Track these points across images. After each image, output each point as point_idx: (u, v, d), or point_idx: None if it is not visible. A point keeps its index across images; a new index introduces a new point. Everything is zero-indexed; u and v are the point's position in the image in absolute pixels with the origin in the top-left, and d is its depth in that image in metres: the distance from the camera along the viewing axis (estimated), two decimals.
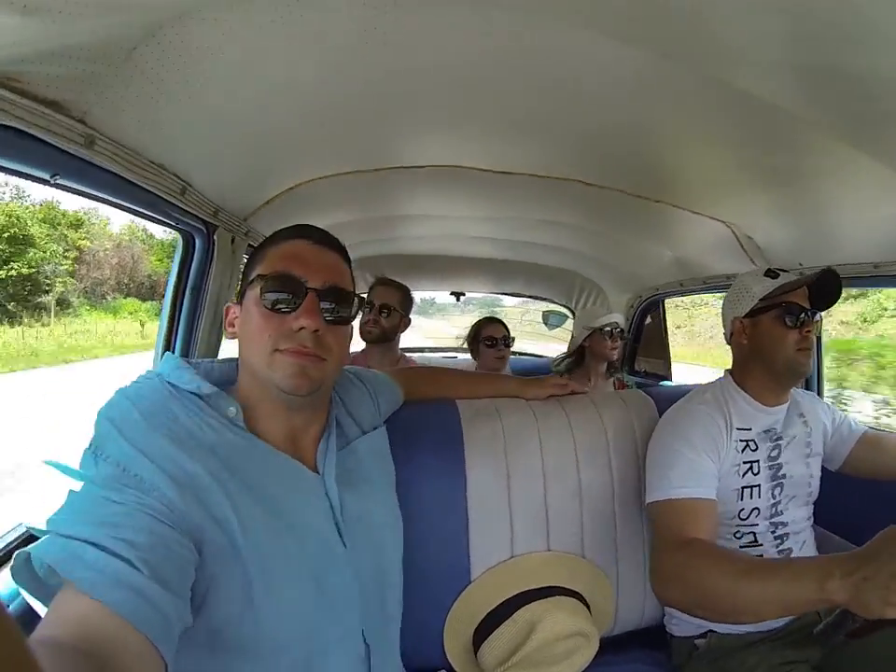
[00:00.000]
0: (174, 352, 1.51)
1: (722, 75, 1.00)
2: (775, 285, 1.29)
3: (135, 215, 1.26)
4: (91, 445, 0.74)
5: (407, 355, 2.50)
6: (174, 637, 0.61)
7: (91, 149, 0.92)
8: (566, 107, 1.26)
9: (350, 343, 0.97)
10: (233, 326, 0.92)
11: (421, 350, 4.34)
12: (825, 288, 1.26)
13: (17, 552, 0.60)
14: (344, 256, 0.95)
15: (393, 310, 2.25)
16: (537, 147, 1.58)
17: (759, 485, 1.26)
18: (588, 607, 1.30)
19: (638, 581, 1.39)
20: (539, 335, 7.08)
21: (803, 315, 1.26)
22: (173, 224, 1.38)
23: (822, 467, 1.39)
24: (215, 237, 1.52)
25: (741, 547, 1.27)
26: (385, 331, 2.24)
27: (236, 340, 0.91)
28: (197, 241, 1.51)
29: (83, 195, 1.06)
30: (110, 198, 1.12)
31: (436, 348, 4.70)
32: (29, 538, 1.04)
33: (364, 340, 2.24)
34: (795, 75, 0.95)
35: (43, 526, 0.63)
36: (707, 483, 1.18)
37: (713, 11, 0.81)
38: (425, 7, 0.90)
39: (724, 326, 1.42)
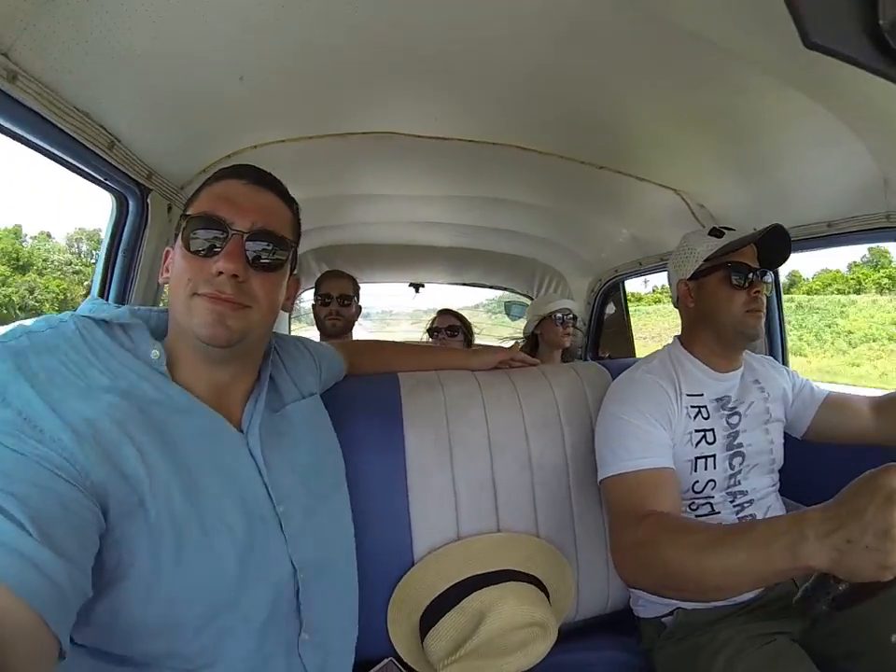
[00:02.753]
0: None
1: (664, 12, 0.97)
2: (719, 244, 1.25)
3: (63, 165, 1.19)
4: None
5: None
6: (70, 613, 0.54)
7: (13, 83, 0.89)
8: (495, 56, 1.21)
9: (283, 293, 0.89)
10: (168, 271, 0.85)
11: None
12: (774, 246, 1.23)
13: None
14: (284, 197, 0.88)
15: (351, 298, 2.31)
16: (469, 108, 1.54)
17: (713, 455, 1.21)
18: (546, 592, 1.23)
19: (601, 562, 1.34)
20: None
21: (750, 274, 1.22)
22: (102, 180, 1.30)
23: (786, 435, 1.36)
24: (148, 201, 1.46)
25: (698, 517, 1.22)
26: (347, 322, 2.30)
27: None
28: (130, 203, 1.44)
29: (5, 132, 1.00)
30: (34, 139, 1.05)
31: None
32: None
33: (327, 334, 2.26)
34: (741, 9, 0.92)
35: None
36: (661, 452, 1.13)
37: None
38: None
39: (670, 289, 1.38)
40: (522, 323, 4.17)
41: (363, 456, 1.20)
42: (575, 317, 2.56)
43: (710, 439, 1.21)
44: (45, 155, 1.11)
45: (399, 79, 1.35)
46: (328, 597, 0.88)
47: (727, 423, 1.24)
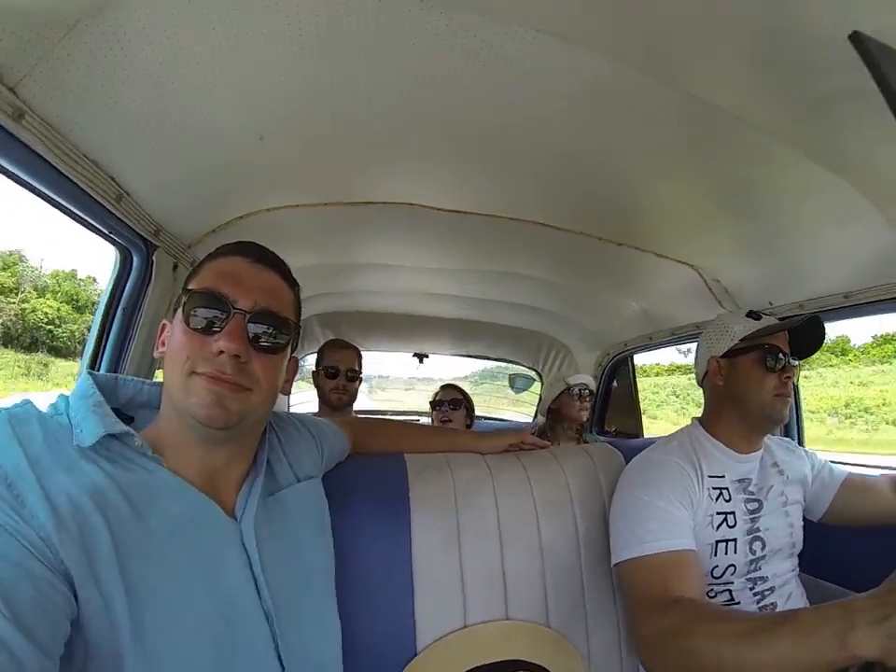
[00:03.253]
0: (99, 370, 1.38)
1: (688, 87, 0.99)
2: (757, 326, 1.25)
3: (66, 214, 1.17)
4: None
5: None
6: None
7: (19, 123, 0.86)
8: (520, 133, 1.23)
9: (283, 375, 0.86)
10: (164, 345, 0.83)
11: (383, 413, 4.18)
12: (807, 336, 1.24)
13: None
14: (287, 278, 0.87)
15: (357, 373, 2.27)
16: (490, 183, 1.56)
17: (735, 539, 1.16)
18: None
19: (613, 651, 1.24)
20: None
21: (783, 358, 1.21)
22: (107, 234, 1.28)
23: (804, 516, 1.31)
24: (154, 258, 1.43)
25: None
26: (352, 396, 2.24)
27: None
28: (135, 259, 1.42)
29: (6, 174, 0.97)
30: (38, 185, 1.03)
31: (400, 411, 4.54)
32: None
33: (331, 408, 2.19)
34: (763, 84, 0.94)
35: None
36: (684, 533, 1.08)
37: (681, 20, 0.80)
38: (384, 35, 0.89)
39: (697, 366, 1.37)
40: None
41: (366, 540, 1.14)
42: (591, 391, 2.56)
43: (731, 522, 1.17)
44: (48, 202, 1.09)
45: (420, 152, 1.36)
46: None
47: (747, 507, 1.20)
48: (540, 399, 2.79)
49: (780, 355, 1.21)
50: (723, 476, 1.21)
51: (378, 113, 1.16)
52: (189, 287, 0.79)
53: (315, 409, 2.31)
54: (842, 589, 1.52)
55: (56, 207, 1.12)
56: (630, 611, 1.11)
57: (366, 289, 2.96)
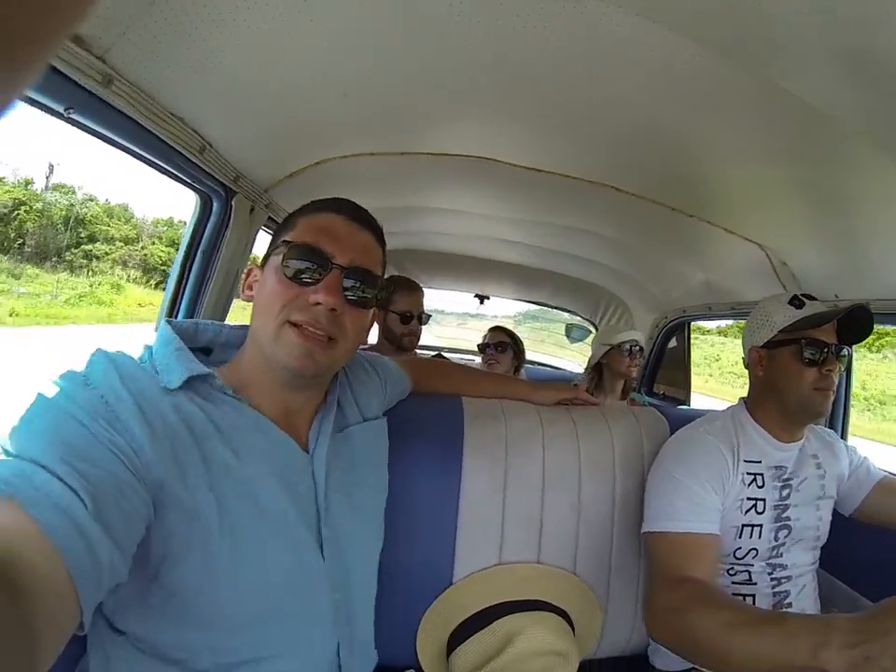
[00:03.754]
0: (177, 314, 1.49)
1: (775, 78, 0.95)
2: (797, 316, 1.20)
3: (152, 167, 1.23)
4: (82, 371, 0.70)
5: (418, 352, 2.44)
6: (101, 588, 0.55)
7: (109, 88, 0.91)
8: (604, 103, 1.21)
9: (369, 329, 0.94)
10: (251, 289, 0.88)
11: (437, 350, 4.30)
12: (855, 324, 1.17)
13: None
14: (379, 237, 0.91)
15: (428, 316, 2.25)
16: (570, 146, 1.53)
17: (761, 525, 1.18)
18: (573, 626, 1.24)
19: (629, 606, 1.32)
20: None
21: (825, 350, 1.17)
22: (189, 182, 1.36)
23: (836, 513, 1.31)
24: (233, 203, 1.49)
25: (734, 583, 1.20)
26: (419, 338, 2.21)
27: (249, 305, 0.88)
28: (214, 204, 1.49)
29: (98, 136, 1.03)
30: (126, 143, 1.09)
31: (453, 348, 4.62)
32: None
33: (404, 350, 2.14)
34: (853, 83, 0.89)
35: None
36: (709, 518, 1.12)
37: (773, 8, 0.77)
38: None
39: (744, 351, 1.34)
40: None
41: (420, 475, 1.22)
42: (641, 349, 2.52)
43: (760, 508, 1.19)
44: (136, 158, 1.16)
45: (501, 110, 1.35)
46: (354, 615, 0.90)
47: (779, 494, 1.21)
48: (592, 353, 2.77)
49: (821, 347, 1.17)
50: (760, 462, 1.21)
51: (464, 74, 1.15)
52: (288, 239, 0.82)
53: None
54: (849, 590, 1.52)
55: (144, 162, 1.18)
56: (647, 578, 1.19)
57: (433, 230, 2.97)
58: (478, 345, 2.88)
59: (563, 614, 1.23)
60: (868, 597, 1.46)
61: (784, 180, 1.36)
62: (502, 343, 2.74)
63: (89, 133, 1.01)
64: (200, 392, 0.77)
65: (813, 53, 0.85)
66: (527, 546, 1.27)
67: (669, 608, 1.02)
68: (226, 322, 1.02)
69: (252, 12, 0.91)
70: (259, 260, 0.91)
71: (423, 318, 2.19)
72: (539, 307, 4.47)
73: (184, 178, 1.33)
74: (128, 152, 1.13)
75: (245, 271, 0.91)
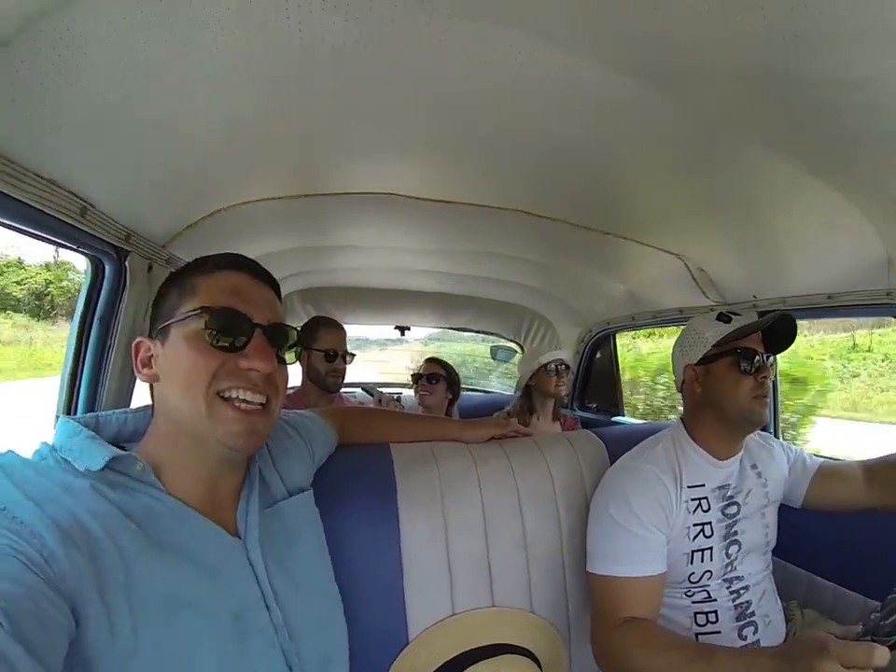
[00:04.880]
0: (79, 391, 1.36)
1: (679, 96, 0.98)
2: (727, 329, 1.24)
3: (29, 235, 1.10)
4: None
5: (343, 392, 2.40)
6: None
7: None
8: (510, 130, 1.21)
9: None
10: (148, 366, 0.80)
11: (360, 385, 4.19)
12: (780, 331, 1.23)
13: None
14: (277, 292, 0.89)
15: (352, 354, 2.21)
16: (477, 175, 1.52)
17: (711, 548, 1.20)
18: (539, 664, 1.20)
19: None
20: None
21: (757, 359, 1.21)
22: (74, 248, 1.23)
23: (782, 504, 1.35)
24: (126, 263, 1.37)
25: (694, 603, 1.21)
26: (344, 377, 2.17)
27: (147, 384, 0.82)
28: (107, 267, 1.36)
29: None
30: None
31: (380, 383, 4.53)
32: None
33: (329, 391, 2.12)
34: (757, 97, 0.93)
35: None
36: (652, 559, 1.14)
37: (677, 31, 0.79)
38: (362, 33, 0.85)
39: (675, 374, 1.37)
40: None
41: (355, 532, 1.16)
42: (567, 367, 2.56)
43: (708, 532, 1.20)
44: (5, 227, 1.01)
45: (400, 145, 1.33)
46: None
47: (724, 514, 1.23)
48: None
49: (754, 356, 1.21)
50: (703, 485, 1.23)
51: (358, 108, 1.12)
52: (206, 305, 0.77)
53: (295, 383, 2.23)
54: (806, 573, 1.59)
55: (15, 230, 1.04)
56: (592, 616, 1.18)
57: (346, 267, 2.94)
58: (412, 374, 2.87)
59: (526, 653, 1.20)
60: (823, 576, 1.53)
61: (695, 192, 1.41)
62: (435, 375, 2.71)
63: None
64: (114, 483, 0.70)
65: (717, 70, 0.88)
66: (480, 591, 1.23)
67: (611, 647, 1.09)
68: (129, 406, 0.93)
69: (116, 55, 0.83)
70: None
71: (346, 357, 2.15)
72: (441, 330, 4.50)
73: (66, 244, 1.20)
74: None
75: (133, 345, 0.82)
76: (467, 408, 3.04)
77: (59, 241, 1.18)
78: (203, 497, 0.78)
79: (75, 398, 1.35)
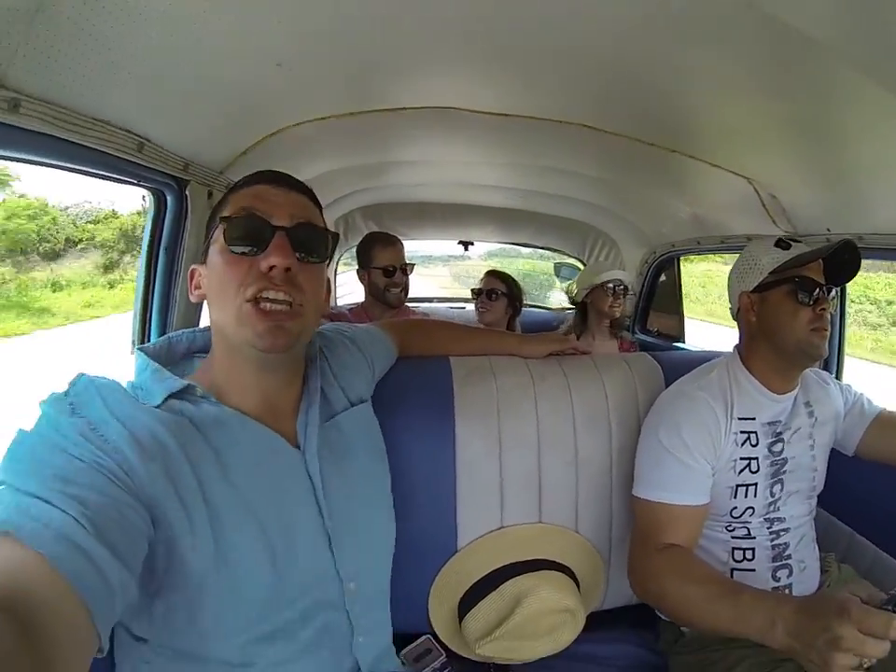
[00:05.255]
0: (150, 318, 1.45)
1: (764, 4, 0.86)
2: (786, 257, 1.16)
3: (91, 176, 1.15)
4: (67, 396, 0.69)
5: (409, 305, 2.38)
6: (115, 611, 0.55)
7: (17, 114, 0.82)
8: (571, 40, 1.12)
9: (327, 287, 0.89)
10: (199, 287, 0.85)
11: (427, 300, 4.21)
12: (842, 262, 1.14)
13: None
14: (312, 197, 0.88)
15: (411, 265, 2.18)
16: (539, 88, 1.44)
17: (755, 484, 1.18)
18: (577, 582, 1.27)
19: None
20: None
21: (817, 290, 1.13)
22: (135, 182, 1.28)
23: (835, 451, 1.30)
24: (187, 192, 1.41)
25: (734, 538, 1.21)
26: (406, 291, 2.16)
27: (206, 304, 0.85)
28: (168, 197, 1.41)
29: (12, 160, 0.95)
30: (52, 161, 1.00)
31: (442, 298, 4.56)
32: None
33: (393, 307, 2.12)
34: (851, 10, 0.82)
35: None
36: (697, 489, 1.13)
37: None
38: None
39: (730, 300, 1.29)
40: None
41: (413, 443, 1.21)
42: (626, 288, 2.46)
43: (754, 468, 1.17)
44: (69, 171, 1.07)
45: (459, 57, 1.27)
46: (371, 599, 0.91)
47: (771, 451, 1.19)
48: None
49: (813, 288, 1.13)
50: (754, 418, 1.19)
51: (416, 19, 1.07)
52: (224, 215, 0.79)
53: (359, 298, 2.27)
54: (849, 529, 1.53)
55: (77, 172, 1.09)
56: (632, 538, 1.20)
57: (408, 182, 2.90)
58: (472, 290, 2.83)
59: (567, 571, 1.26)
60: (866, 536, 1.48)
61: (773, 113, 1.28)
62: (493, 291, 2.66)
63: (11, 160, 0.94)
64: (183, 405, 0.76)
65: None
66: (528, 507, 1.28)
67: (646, 572, 1.11)
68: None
69: None
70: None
71: (406, 269, 2.13)
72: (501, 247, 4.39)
73: (128, 180, 1.25)
74: (58, 168, 1.05)
75: (188, 273, 0.87)
76: (526, 324, 3.02)
77: (122, 178, 1.22)
78: (259, 408, 0.82)
79: (147, 325, 1.45)
